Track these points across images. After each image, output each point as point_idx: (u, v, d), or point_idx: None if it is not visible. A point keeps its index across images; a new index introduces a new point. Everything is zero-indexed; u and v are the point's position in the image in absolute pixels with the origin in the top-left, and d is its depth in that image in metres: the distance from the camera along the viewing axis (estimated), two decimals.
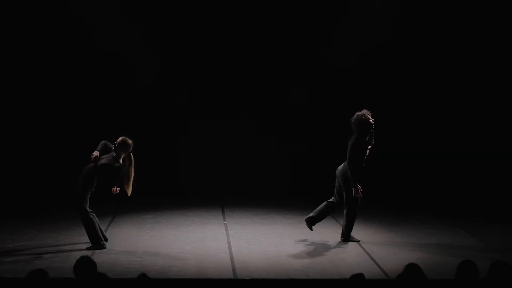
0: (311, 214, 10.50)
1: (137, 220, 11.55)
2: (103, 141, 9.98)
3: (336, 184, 10.37)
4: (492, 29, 13.90)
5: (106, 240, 9.98)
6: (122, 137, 9.88)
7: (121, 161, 9.79)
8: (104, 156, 9.85)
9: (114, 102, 13.83)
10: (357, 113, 10.18)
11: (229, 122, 14.14)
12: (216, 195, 13.49)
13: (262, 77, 14.07)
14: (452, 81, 14.08)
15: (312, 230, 10.46)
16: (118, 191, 9.80)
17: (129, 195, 9.99)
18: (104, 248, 9.69)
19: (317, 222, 10.51)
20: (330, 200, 10.46)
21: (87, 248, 9.60)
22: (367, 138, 10.17)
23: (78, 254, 8.80)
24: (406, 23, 13.83)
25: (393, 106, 14.05)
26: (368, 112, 10.17)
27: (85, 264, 6.42)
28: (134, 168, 9.91)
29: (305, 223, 10.50)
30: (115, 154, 9.78)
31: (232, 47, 13.94)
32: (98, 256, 9.24)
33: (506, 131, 14.07)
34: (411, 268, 6.24)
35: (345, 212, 10.27)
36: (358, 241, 10.26)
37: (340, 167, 10.30)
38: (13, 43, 13.56)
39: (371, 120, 10.13)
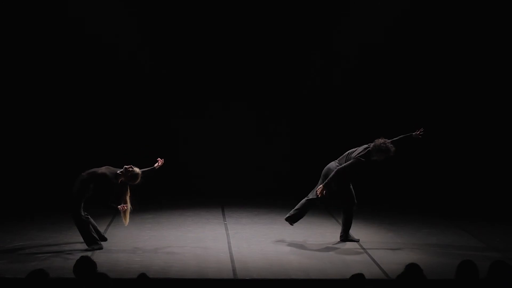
0: (290, 213, 10.51)
1: (137, 220, 11.53)
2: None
3: (320, 182, 10.35)
4: (492, 29, 13.93)
5: (104, 240, 9.98)
6: (138, 171, 9.77)
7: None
8: (108, 167, 9.82)
9: (114, 102, 13.83)
10: (384, 140, 10.03)
11: (229, 122, 14.15)
12: (216, 195, 13.49)
13: (262, 77, 14.08)
14: (453, 80, 14.09)
15: (292, 225, 10.53)
16: (125, 208, 9.78)
17: (126, 225, 10.02)
18: (101, 248, 9.69)
19: (298, 220, 10.52)
20: (309, 197, 10.46)
21: (86, 249, 9.59)
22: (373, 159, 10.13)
23: (78, 254, 8.86)
24: (406, 22, 13.83)
25: (393, 105, 14.08)
26: (393, 147, 10.02)
27: (85, 264, 6.42)
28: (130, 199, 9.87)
29: (286, 222, 10.56)
30: (119, 172, 9.75)
31: (235, 47, 13.94)
32: (98, 256, 9.24)
33: (506, 130, 14.09)
34: (411, 268, 6.24)
35: (342, 212, 10.29)
36: (357, 241, 10.27)
37: (332, 168, 10.26)
38: (12, 44, 13.56)
39: (390, 153, 10.00)
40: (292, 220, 10.48)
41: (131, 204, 9.82)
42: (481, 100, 14.10)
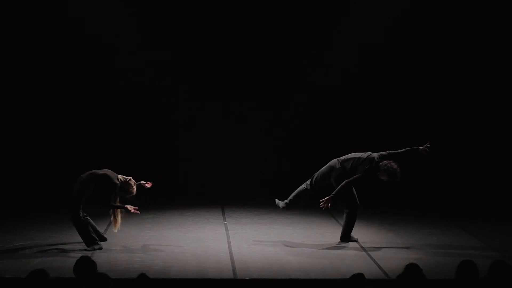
0: (286, 201, 10.53)
1: (137, 220, 11.53)
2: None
3: (318, 176, 10.36)
4: (492, 28, 13.92)
5: (104, 240, 9.98)
6: (134, 191, 9.81)
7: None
8: (107, 170, 9.83)
9: (114, 101, 13.83)
10: (397, 167, 9.99)
11: (229, 122, 14.15)
12: (216, 195, 13.49)
13: (261, 77, 14.07)
14: (453, 80, 14.09)
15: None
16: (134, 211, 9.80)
17: (115, 231, 10.02)
18: (101, 248, 9.69)
19: (292, 206, 10.55)
20: (304, 186, 10.46)
21: (86, 250, 9.59)
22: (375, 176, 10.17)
23: (78, 254, 8.85)
24: (406, 22, 13.83)
25: (393, 105, 14.07)
26: (400, 177, 10.04)
27: (85, 264, 6.42)
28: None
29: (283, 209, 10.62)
30: (121, 178, 9.76)
31: (235, 47, 13.93)
32: (98, 256, 9.24)
33: (506, 130, 14.08)
34: (411, 268, 6.24)
35: (345, 214, 10.28)
36: (356, 240, 10.27)
37: (334, 167, 10.28)
38: (12, 44, 13.56)
39: (394, 179, 10.00)
40: (287, 207, 10.49)
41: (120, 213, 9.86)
42: (481, 100, 14.09)
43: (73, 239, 10.07)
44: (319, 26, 13.91)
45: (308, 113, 14.20)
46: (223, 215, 12.19)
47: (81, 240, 9.78)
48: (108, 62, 13.66)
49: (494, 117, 14.13)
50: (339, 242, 10.28)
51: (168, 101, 14.01)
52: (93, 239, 9.72)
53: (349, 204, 10.22)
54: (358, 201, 10.24)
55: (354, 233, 10.38)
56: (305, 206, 12.73)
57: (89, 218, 9.83)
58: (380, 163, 9.99)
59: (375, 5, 13.70)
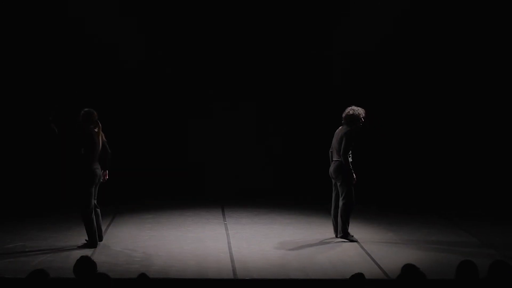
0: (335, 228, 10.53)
1: (137, 220, 11.55)
2: None
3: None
4: (492, 29, 13.93)
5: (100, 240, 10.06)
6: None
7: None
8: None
9: (115, 102, 13.83)
10: (348, 108, 10.30)
11: (229, 122, 14.15)
12: (216, 195, 13.50)
13: (262, 77, 14.08)
14: (453, 79, 14.09)
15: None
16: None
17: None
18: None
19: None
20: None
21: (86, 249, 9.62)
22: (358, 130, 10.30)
23: (78, 254, 8.84)
24: (406, 22, 13.84)
25: (393, 105, 14.08)
26: (358, 108, 10.26)
27: (85, 264, 6.43)
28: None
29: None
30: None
31: (235, 47, 13.94)
32: (98, 256, 9.25)
33: (505, 129, 14.09)
34: (408, 269, 6.24)
35: (340, 208, 10.27)
36: (356, 241, 10.27)
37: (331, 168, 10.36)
38: (12, 44, 13.57)
39: (362, 116, 10.24)
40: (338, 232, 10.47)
41: None
42: (481, 99, 14.09)
43: (73, 239, 10.09)
44: (319, 26, 13.91)
45: (309, 113, 14.19)
46: (223, 215, 12.19)
47: (81, 241, 9.82)
48: (108, 62, 13.66)
49: (494, 116, 14.13)
50: (338, 241, 10.26)
51: (168, 101, 14.00)
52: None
53: (345, 198, 10.21)
54: (354, 199, 10.24)
55: (354, 233, 10.38)
56: (305, 205, 12.77)
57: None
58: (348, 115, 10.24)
59: (375, 5, 13.70)
